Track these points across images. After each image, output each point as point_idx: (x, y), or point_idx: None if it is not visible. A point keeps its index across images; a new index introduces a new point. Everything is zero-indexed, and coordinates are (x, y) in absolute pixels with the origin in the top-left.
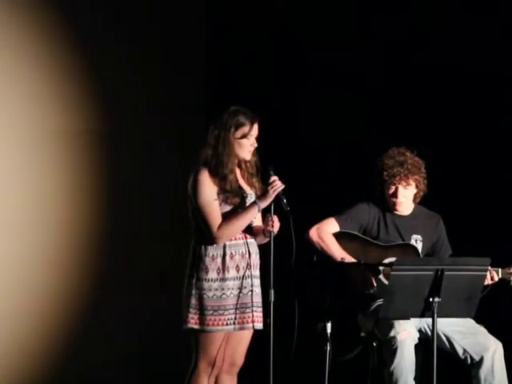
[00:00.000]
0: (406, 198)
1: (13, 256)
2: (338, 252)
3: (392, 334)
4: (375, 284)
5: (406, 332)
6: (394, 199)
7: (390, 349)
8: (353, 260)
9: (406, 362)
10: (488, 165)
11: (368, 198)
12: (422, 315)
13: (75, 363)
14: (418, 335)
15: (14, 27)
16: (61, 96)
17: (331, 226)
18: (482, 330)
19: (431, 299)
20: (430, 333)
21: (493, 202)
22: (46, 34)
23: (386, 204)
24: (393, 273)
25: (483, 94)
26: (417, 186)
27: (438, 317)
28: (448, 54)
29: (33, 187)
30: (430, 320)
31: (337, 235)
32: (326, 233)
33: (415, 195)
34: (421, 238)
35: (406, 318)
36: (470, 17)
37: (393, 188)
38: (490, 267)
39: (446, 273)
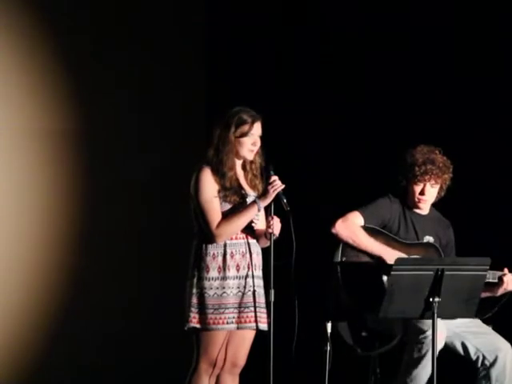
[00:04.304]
0: (430, 197)
1: None
2: (374, 245)
3: (424, 335)
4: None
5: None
6: (421, 196)
7: (419, 351)
8: (395, 253)
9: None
10: (486, 166)
11: (388, 194)
12: (422, 315)
13: (72, 363)
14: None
15: None
16: (57, 96)
17: (357, 219)
18: (491, 330)
19: (431, 299)
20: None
21: (492, 201)
22: (33, 36)
23: (406, 201)
24: (393, 273)
25: (480, 97)
26: (441, 187)
27: (437, 317)
28: (450, 55)
29: (19, 186)
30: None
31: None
32: (355, 225)
33: (436, 196)
34: (432, 240)
35: (406, 318)
36: (471, 17)
37: (421, 185)
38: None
39: (446, 273)
